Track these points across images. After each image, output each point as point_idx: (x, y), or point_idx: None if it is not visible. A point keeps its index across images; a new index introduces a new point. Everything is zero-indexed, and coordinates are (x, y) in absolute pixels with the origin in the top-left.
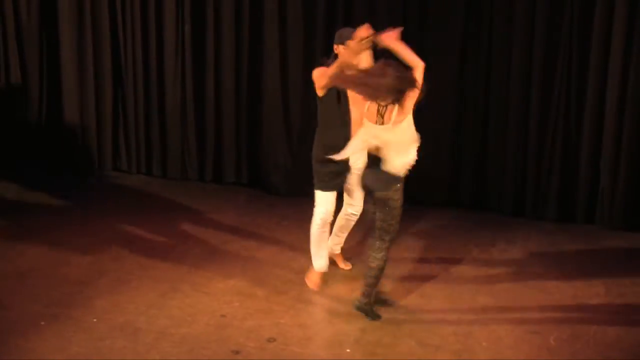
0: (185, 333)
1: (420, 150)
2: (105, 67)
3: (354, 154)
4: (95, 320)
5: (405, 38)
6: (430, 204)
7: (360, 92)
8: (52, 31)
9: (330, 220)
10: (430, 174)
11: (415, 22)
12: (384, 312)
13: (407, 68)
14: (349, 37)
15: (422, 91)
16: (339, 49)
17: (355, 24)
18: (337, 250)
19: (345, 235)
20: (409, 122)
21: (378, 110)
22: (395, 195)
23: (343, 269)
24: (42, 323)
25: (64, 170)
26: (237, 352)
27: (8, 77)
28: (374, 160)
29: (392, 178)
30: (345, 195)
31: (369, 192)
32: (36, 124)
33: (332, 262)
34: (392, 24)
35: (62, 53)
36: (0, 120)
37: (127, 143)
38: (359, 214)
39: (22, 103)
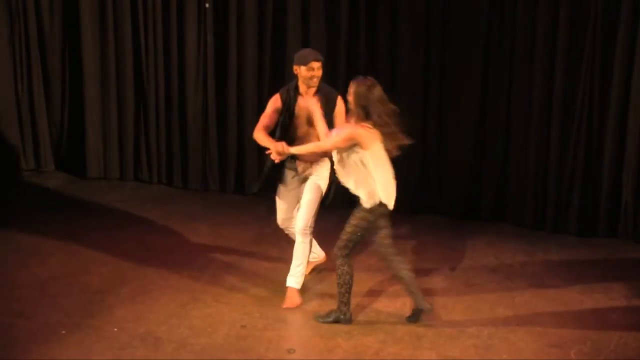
0: (205, 343)
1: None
2: (128, 77)
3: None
4: (115, 329)
5: (427, 41)
6: (450, 215)
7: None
8: (75, 41)
9: None
10: (451, 186)
11: (438, 25)
12: (404, 325)
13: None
14: (302, 62)
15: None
16: (298, 69)
17: (377, 30)
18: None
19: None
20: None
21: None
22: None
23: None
24: (63, 332)
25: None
26: None
27: (30, 88)
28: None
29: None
30: None
31: None
32: (58, 134)
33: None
34: (414, 27)
35: (85, 63)
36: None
37: (148, 153)
38: None
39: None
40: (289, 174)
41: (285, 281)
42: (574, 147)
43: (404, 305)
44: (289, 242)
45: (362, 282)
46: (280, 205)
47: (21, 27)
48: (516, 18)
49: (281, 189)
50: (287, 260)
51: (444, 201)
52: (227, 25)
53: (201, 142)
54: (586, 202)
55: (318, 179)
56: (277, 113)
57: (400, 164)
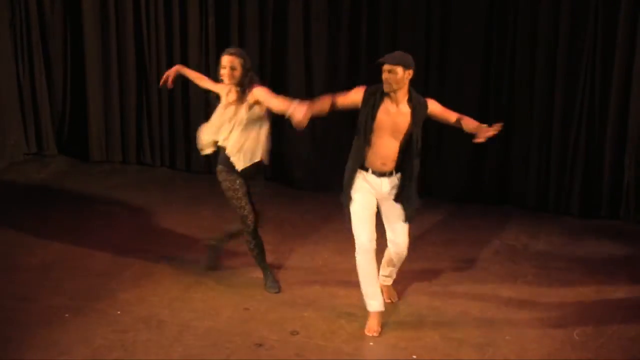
0: (209, 326)
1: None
2: (129, 60)
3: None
4: (119, 312)
5: (428, 32)
6: (453, 198)
7: None
8: (76, 24)
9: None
10: (453, 168)
11: (439, 19)
12: (407, 307)
13: None
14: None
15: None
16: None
17: (380, 22)
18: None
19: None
20: None
21: None
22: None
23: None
24: (66, 315)
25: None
26: (260, 345)
27: (32, 71)
28: None
29: None
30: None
31: None
32: (60, 118)
33: None
34: (416, 23)
35: (86, 46)
36: None
37: (150, 136)
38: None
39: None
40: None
41: (287, 264)
42: (576, 129)
43: (406, 287)
44: (293, 225)
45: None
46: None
47: (22, 11)
48: (518, 3)
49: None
50: (288, 243)
51: (446, 184)
52: (229, 8)
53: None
54: (589, 184)
55: None
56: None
57: None
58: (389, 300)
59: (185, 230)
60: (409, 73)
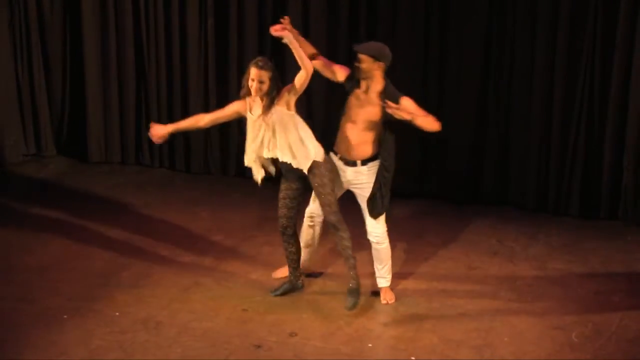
0: (207, 327)
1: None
2: (129, 60)
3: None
4: (117, 313)
5: (427, 32)
6: (452, 198)
7: None
8: (76, 24)
9: None
10: (453, 169)
11: (438, 17)
12: (406, 308)
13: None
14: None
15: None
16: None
17: (378, 19)
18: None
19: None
20: None
21: None
22: None
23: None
24: (65, 316)
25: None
26: (258, 347)
27: (31, 73)
28: None
29: None
30: None
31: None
32: (59, 119)
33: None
34: (414, 21)
35: (85, 46)
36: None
37: (149, 137)
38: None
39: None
40: None
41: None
42: (576, 130)
43: (405, 288)
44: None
45: (363, 266)
46: None
47: (21, 11)
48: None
49: None
50: None
51: (445, 184)
52: (228, 9)
53: None
54: (588, 185)
55: None
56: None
57: (401, 148)
58: (385, 302)
59: (184, 232)
60: (380, 65)
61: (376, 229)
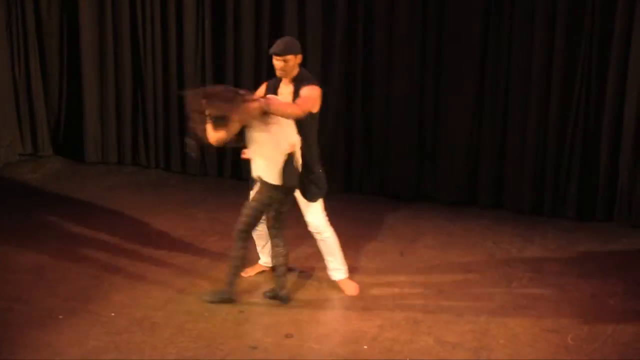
0: (202, 328)
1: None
2: (125, 61)
3: None
4: (113, 314)
5: (423, 37)
6: (448, 202)
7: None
8: (72, 25)
9: None
10: (449, 172)
11: (435, 20)
12: (402, 311)
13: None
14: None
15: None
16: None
17: (376, 23)
18: None
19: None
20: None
21: None
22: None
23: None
24: (60, 317)
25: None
26: (254, 348)
27: (28, 73)
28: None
29: None
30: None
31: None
32: (56, 119)
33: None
34: (410, 24)
35: (82, 47)
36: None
37: (146, 138)
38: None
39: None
40: None
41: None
42: (572, 133)
43: (401, 291)
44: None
45: (359, 269)
46: None
47: (18, 10)
48: (514, 4)
49: None
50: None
51: (441, 188)
52: (224, 11)
53: None
54: (584, 187)
55: None
56: None
57: (398, 151)
58: (349, 294)
59: (179, 232)
60: (299, 57)
61: (315, 219)
